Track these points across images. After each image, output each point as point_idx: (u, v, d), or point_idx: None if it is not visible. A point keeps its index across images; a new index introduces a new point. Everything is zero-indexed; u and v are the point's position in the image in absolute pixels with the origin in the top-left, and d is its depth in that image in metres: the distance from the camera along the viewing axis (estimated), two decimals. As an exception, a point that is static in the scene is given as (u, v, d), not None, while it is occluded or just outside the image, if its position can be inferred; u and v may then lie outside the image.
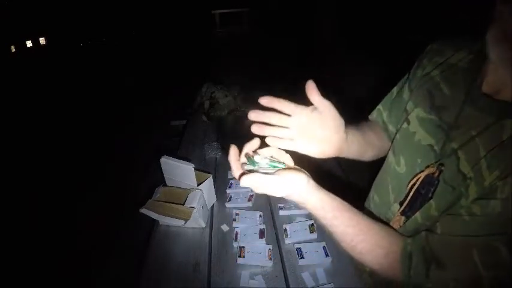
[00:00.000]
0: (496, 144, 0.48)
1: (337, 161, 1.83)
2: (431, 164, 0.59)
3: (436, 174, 0.57)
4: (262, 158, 0.52)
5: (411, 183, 0.62)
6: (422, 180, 0.60)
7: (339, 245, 0.56)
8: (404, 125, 0.67)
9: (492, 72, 0.53)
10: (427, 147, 0.61)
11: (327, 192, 0.54)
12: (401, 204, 0.65)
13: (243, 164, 0.53)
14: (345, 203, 0.55)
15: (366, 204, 0.81)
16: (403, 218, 0.64)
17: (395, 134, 0.72)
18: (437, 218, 0.56)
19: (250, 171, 0.52)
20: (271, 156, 0.54)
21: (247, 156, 0.53)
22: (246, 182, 0.49)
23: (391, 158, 0.72)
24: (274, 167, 0.53)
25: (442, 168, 0.56)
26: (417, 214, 0.60)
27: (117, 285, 1.71)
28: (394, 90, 0.77)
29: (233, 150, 0.51)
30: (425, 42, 0.68)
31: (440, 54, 0.64)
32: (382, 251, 0.55)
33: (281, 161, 0.54)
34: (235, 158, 0.51)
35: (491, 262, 0.46)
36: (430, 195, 0.57)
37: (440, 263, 0.50)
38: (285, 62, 5.26)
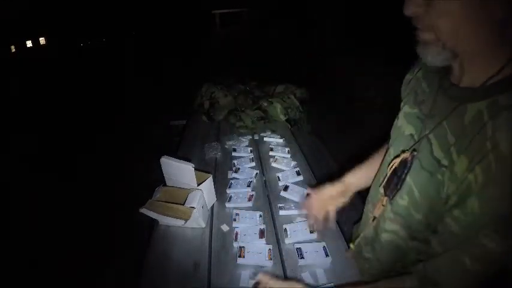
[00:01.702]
0: (461, 128, 0.53)
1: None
2: (407, 149, 0.65)
3: (410, 158, 0.63)
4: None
5: (390, 165, 0.69)
6: (398, 163, 0.66)
7: None
8: (395, 122, 0.76)
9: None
10: (408, 137, 0.67)
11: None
12: (381, 185, 0.72)
13: None
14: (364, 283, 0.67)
15: (368, 197, 0.87)
16: (385, 198, 0.71)
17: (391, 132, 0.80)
18: (426, 210, 0.60)
19: None
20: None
21: None
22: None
23: (386, 154, 0.79)
24: None
25: (415, 153, 0.62)
26: (403, 197, 0.65)
27: (117, 285, 1.71)
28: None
29: None
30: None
31: None
32: None
33: None
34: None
35: (482, 260, 0.49)
36: (403, 176, 0.64)
37: (435, 285, 0.54)
38: (286, 61, 5.26)
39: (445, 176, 0.54)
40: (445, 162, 0.55)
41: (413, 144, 0.64)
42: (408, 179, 0.63)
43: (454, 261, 0.51)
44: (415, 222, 0.63)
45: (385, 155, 0.79)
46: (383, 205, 0.72)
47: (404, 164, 0.64)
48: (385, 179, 0.70)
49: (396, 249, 0.69)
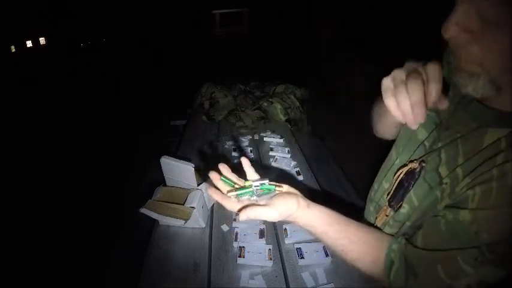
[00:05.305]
0: (475, 152, 0.50)
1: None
2: (416, 159, 0.61)
3: (418, 170, 0.59)
4: (253, 185, 0.56)
5: (396, 175, 0.65)
6: (405, 173, 0.63)
7: (333, 252, 0.60)
8: None
9: None
10: (419, 142, 0.64)
11: (318, 208, 0.57)
12: (388, 194, 0.68)
13: (230, 191, 0.56)
14: (335, 216, 0.58)
15: (370, 191, 0.82)
16: (389, 209, 0.67)
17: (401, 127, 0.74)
18: (420, 211, 0.58)
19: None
20: (259, 179, 0.58)
21: (237, 186, 0.57)
22: (248, 215, 0.52)
23: (393, 150, 0.74)
24: (267, 189, 0.56)
25: (424, 164, 0.59)
26: (403, 206, 0.62)
27: (117, 285, 1.71)
28: None
29: (215, 189, 0.57)
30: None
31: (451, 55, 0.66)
32: (371, 258, 0.58)
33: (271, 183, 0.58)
34: (222, 196, 0.56)
35: (454, 274, 0.48)
36: (410, 188, 0.61)
37: (415, 274, 0.52)
38: (285, 61, 5.26)
39: (445, 192, 0.53)
40: (447, 180, 0.53)
41: (424, 155, 0.60)
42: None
43: (429, 265, 0.50)
44: (407, 226, 0.62)
45: (391, 151, 0.75)
46: (386, 215, 0.68)
47: (411, 175, 0.60)
48: (392, 191, 0.66)
49: None
